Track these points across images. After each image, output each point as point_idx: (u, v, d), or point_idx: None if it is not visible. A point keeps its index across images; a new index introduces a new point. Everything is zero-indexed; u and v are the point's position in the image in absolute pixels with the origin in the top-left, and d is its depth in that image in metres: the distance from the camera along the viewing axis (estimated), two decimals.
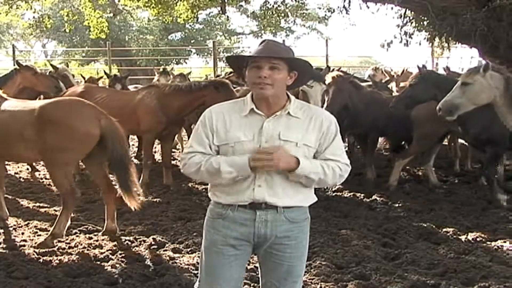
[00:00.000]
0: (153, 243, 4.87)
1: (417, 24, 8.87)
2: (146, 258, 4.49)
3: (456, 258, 4.45)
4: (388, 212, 5.89)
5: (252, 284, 3.90)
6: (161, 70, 11.24)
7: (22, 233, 5.19)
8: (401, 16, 9.01)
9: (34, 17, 14.83)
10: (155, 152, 8.46)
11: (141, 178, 6.98)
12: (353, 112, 6.54)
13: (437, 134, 6.59)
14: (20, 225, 5.45)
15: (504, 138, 5.51)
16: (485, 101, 4.94)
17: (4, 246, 4.82)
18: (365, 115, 6.70)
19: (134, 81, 14.02)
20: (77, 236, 5.13)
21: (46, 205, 6.27)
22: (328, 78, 6.66)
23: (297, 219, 2.55)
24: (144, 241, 4.95)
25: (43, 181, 7.65)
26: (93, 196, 6.68)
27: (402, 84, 8.77)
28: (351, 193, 6.59)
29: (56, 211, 5.96)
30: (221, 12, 13.72)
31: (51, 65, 8.98)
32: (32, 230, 5.26)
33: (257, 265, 2.76)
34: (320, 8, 24.82)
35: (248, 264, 4.15)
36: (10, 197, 6.58)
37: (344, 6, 9.20)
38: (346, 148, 8.26)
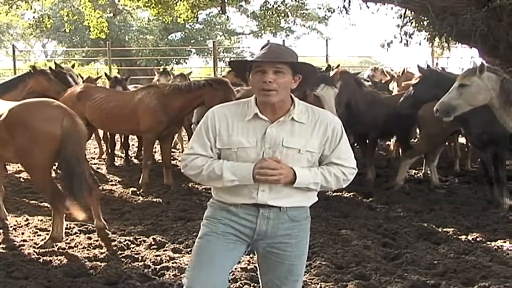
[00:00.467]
0: (153, 243, 4.87)
1: (417, 24, 8.87)
2: (146, 258, 4.49)
3: (456, 258, 4.45)
4: (388, 212, 5.89)
5: (252, 284, 3.90)
6: (161, 70, 11.23)
7: (22, 233, 5.19)
8: (401, 16, 9.00)
9: (34, 17, 14.83)
10: (155, 152, 8.46)
11: (141, 178, 7.00)
12: (355, 110, 6.52)
13: (444, 134, 6.59)
14: (20, 225, 5.45)
15: (505, 138, 5.52)
16: (482, 102, 4.95)
17: (4, 246, 4.82)
18: (366, 114, 6.68)
19: (134, 81, 14.00)
20: (77, 236, 5.13)
21: (46, 205, 6.25)
22: (333, 73, 6.67)
23: (298, 218, 2.56)
24: (144, 241, 4.95)
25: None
26: None
27: (403, 84, 8.77)
28: (351, 193, 6.60)
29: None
30: (221, 12, 13.72)
31: (57, 65, 8.95)
32: (32, 230, 5.26)
33: (257, 265, 2.76)
34: (320, 8, 24.85)
35: (248, 264, 4.16)
36: (10, 197, 6.58)
37: (344, 6, 9.20)
38: None
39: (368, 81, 8.96)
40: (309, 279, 4.00)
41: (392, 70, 11.51)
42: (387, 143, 9.63)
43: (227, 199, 2.53)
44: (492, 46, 7.55)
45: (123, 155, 9.59)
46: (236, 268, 4.11)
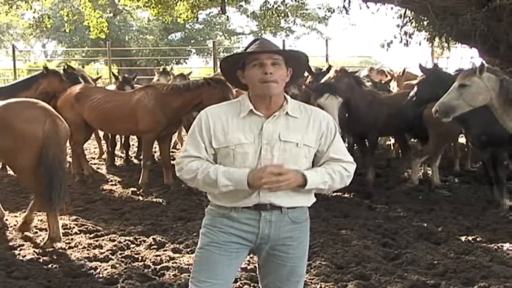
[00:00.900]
0: (153, 243, 4.87)
1: (417, 24, 8.87)
2: (146, 258, 4.49)
3: (456, 258, 4.45)
4: (388, 212, 5.89)
5: (252, 284, 3.90)
6: (161, 70, 11.22)
7: (22, 233, 5.18)
8: (401, 16, 9.01)
9: (34, 17, 14.84)
10: (154, 152, 8.46)
11: (141, 178, 7.00)
12: (354, 110, 6.46)
13: (453, 133, 6.59)
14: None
15: (504, 139, 5.51)
16: (482, 102, 4.95)
17: (4, 246, 4.82)
18: (366, 114, 6.64)
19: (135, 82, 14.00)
20: (77, 236, 5.13)
21: None
22: (331, 73, 6.63)
23: (299, 219, 2.55)
24: (144, 241, 4.95)
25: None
26: (93, 196, 6.70)
27: (403, 84, 8.76)
28: (351, 193, 6.60)
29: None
30: (221, 12, 13.71)
31: (69, 66, 8.93)
32: (32, 230, 5.26)
33: (257, 265, 2.75)
34: (320, 8, 24.82)
35: (248, 264, 4.16)
36: (10, 197, 6.59)
37: (344, 6, 9.21)
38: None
39: (368, 81, 8.95)
40: (309, 279, 4.00)
41: (391, 70, 11.50)
42: (387, 143, 9.66)
43: (226, 202, 2.49)
44: (492, 46, 7.56)
45: (123, 155, 9.59)
46: None
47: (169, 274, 4.12)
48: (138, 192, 6.84)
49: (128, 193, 6.90)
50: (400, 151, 7.93)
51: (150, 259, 4.43)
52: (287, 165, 2.42)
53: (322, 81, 6.85)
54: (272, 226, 2.49)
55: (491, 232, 5.14)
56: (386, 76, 9.83)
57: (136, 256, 4.54)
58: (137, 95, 7.03)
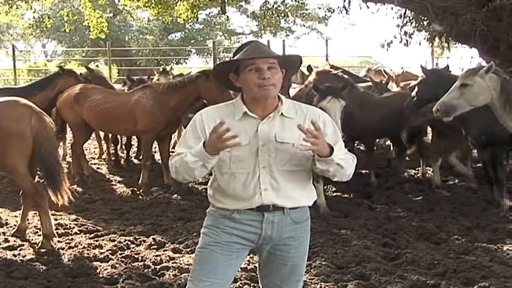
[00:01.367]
0: (153, 243, 4.87)
1: (417, 24, 8.87)
2: (146, 258, 4.49)
3: (456, 258, 4.45)
4: (388, 212, 5.89)
5: (252, 284, 3.90)
6: (161, 70, 11.22)
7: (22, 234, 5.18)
8: (401, 16, 8.99)
9: (34, 17, 14.82)
10: (154, 152, 8.46)
11: (141, 178, 6.99)
12: (345, 113, 5.92)
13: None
14: None
15: (504, 139, 5.52)
16: (483, 102, 4.94)
17: (4, 246, 4.82)
18: (359, 117, 6.37)
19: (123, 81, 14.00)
20: (77, 236, 5.13)
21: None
22: (313, 75, 6.55)
23: (300, 219, 2.55)
24: (144, 241, 4.95)
25: (43, 181, 7.64)
26: (93, 196, 6.71)
27: (402, 84, 8.75)
28: (351, 193, 6.59)
29: (56, 211, 5.95)
30: (221, 12, 13.70)
31: (86, 67, 8.90)
32: (32, 230, 5.26)
33: (257, 265, 2.75)
34: (320, 8, 24.83)
35: (248, 264, 4.16)
36: (10, 197, 6.59)
37: (344, 6, 9.18)
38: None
39: (368, 81, 8.95)
40: (309, 279, 4.00)
41: (391, 70, 11.50)
42: (386, 143, 9.65)
43: (229, 205, 2.49)
44: (492, 46, 7.55)
45: (123, 155, 9.59)
46: None
47: (169, 274, 4.12)
48: (138, 192, 6.84)
49: (128, 193, 6.90)
50: (396, 151, 7.87)
51: (150, 259, 4.43)
52: (285, 165, 2.44)
53: (306, 83, 6.74)
54: (275, 227, 2.49)
55: (491, 232, 5.15)
56: (384, 76, 9.82)
57: (136, 256, 4.54)
58: (135, 96, 7.01)
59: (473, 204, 6.10)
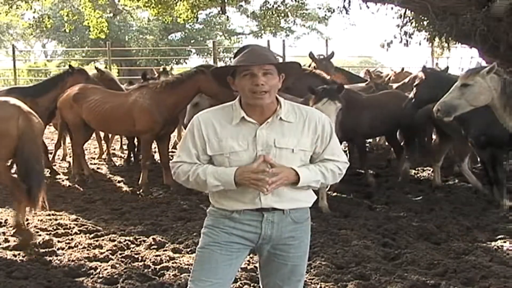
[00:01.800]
0: (153, 243, 4.87)
1: (417, 24, 8.87)
2: (146, 258, 4.49)
3: (456, 258, 4.45)
4: (388, 212, 5.89)
5: (252, 284, 3.90)
6: (161, 70, 11.22)
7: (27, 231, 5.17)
8: (401, 16, 9.00)
9: (34, 17, 14.84)
10: (155, 152, 8.46)
11: (140, 178, 6.99)
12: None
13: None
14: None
15: (503, 139, 5.52)
16: (483, 102, 4.94)
17: (4, 246, 4.82)
18: (345, 119, 5.88)
19: (134, 82, 13.99)
20: (77, 236, 5.13)
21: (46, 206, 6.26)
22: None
23: (301, 219, 2.56)
24: (144, 241, 4.95)
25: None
26: (93, 196, 6.71)
27: (395, 85, 8.73)
28: (351, 193, 6.59)
29: (56, 211, 5.97)
30: (221, 12, 13.70)
31: (97, 69, 8.91)
32: (32, 230, 5.26)
33: (257, 265, 2.75)
34: (320, 8, 24.83)
35: (248, 264, 4.16)
36: (10, 197, 6.58)
37: (344, 6, 9.19)
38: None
39: (368, 80, 8.95)
40: (309, 279, 4.00)
41: (392, 70, 11.50)
42: (386, 143, 9.64)
43: (229, 206, 2.50)
44: (492, 46, 7.55)
45: (123, 155, 9.61)
46: None
47: (169, 274, 4.12)
48: (138, 192, 6.84)
49: (128, 193, 6.91)
50: (394, 152, 7.85)
51: (150, 259, 4.43)
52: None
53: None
54: (274, 227, 2.49)
55: (491, 232, 5.14)
56: (380, 77, 9.82)
57: (136, 256, 4.54)
58: (133, 96, 6.98)
59: (473, 204, 6.10)
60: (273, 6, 12.58)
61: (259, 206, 2.45)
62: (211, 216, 2.59)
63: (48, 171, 8.02)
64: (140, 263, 4.36)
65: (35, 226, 5.40)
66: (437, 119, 5.48)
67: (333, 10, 13.77)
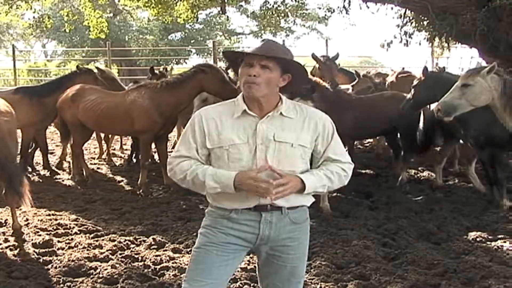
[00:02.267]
0: (153, 243, 4.87)
1: (417, 24, 8.87)
2: (146, 258, 4.49)
3: (456, 258, 4.45)
4: (388, 212, 5.89)
5: (252, 284, 3.91)
6: (161, 70, 11.22)
7: (22, 233, 5.18)
8: (401, 16, 9.00)
9: (34, 17, 14.81)
10: (154, 152, 8.46)
11: (140, 179, 6.98)
12: None
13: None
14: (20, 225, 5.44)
15: (503, 139, 5.52)
16: (484, 102, 4.93)
17: (4, 246, 4.82)
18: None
19: (140, 81, 14.01)
20: (77, 236, 5.13)
21: (46, 205, 6.27)
22: None
23: (299, 220, 2.55)
24: (144, 241, 4.96)
25: (43, 181, 7.66)
26: (93, 196, 6.70)
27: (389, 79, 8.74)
28: (351, 193, 6.59)
29: (56, 211, 5.97)
30: (221, 12, 13.71)
31: (97, 68, 8.92)
32: (33, 230, 5.26)
33: (257, 269, 2.73)
34: (320, 8, 24.79)
35: (248, 264, 4.16)
36: None
37: (344, 6, 9.19)
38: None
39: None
40: (309, 279, 4.00)
41: (392, 70, 11.51)
42: (386, 143, 9.63)
43: (227, 205, 2.49)
44: (492, 46, 7.55)
45: (122, 155, 9.61)
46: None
47: (169, 274, 4.12)
48: (138, 192, 6.84)
49: (128, 193, 6.91)
50: (393, 152, 7.84)
51: (150, 259, 4.44)
52: (283, 167, 2.42)
53: None
54: (273, 227, 2.49)
55: (491, 232, 5.14)
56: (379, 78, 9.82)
57: (136, 256, 4.54)
58: (131, 96, 6.95)
59: (473, 204, 6.10)
60: (273, 6, 12.58)
61: (257, 202, 2.44)
62: (209, 216, 2.59)
63: (48, 171, 8.04)
64: (140, 263, 4.37)
65: (35, 226, 5.40)
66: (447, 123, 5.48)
67: (333, 10, 13.71)
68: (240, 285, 3.91)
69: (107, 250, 4.66)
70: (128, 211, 6.01)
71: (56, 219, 5.64)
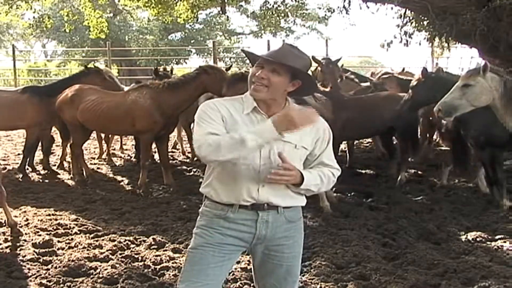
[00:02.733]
0: (153, 243, 4.87)
1: (417, 24, 8.87)
2: (146, 258, 4.49)
3: (456, 258, 4.45)
4: (388, 212, 5.89)
5: (252, 284, 3.90)
6: (165, 71, 11.20)
7: (18, 229, 5.17)
8: (401, 16, 8.99)
9: (34, 17, 14.83)
10: (155, 152, 8.46)
11: (140, 179, 6.98)
12: None
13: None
14: (20, 225, 5.43)
15: (503, 139, 5.52)
16: (484, 103, 4.92)
17: (4, 246, 4.82)
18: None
19: (134, 82, 14.02)
20: (77, 236, 5.13)
21: (46, 205, 6.27)
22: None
23: (294, 218, 2.57)
24: (144, 241, 4.96)
25: (43, 181, 7.66)
26: (93, 196, 6.70)
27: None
28: (351, 193, 6.59)
29: (56, 211, 5.97)
30: (221, 12, 13.71)
31: (96, 67, 8.90)
32: (33, 230, 5.26)
33: (253, 269, 2.72)
34: (320, 8, 24.86)
35: (248, 264, 4.16)
36: (10, 197, 6.58)
37: (344, 6, 9.18)
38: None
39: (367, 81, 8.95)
40: (309, 279, 4.00)
41: (392, 70, 11.51)
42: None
43: (224, 196, 2.47)
44: (492, 46, 7.54)
45: (122, 155, 9.61)
46: (236, 268, 4.11)
47: (169, 274, 4.12)
48: (138, 192, 6.84)
49: (128, 193, 6.90)
50: (388, 152, 7.82)
51: (150, 259, 4.44)
52: None
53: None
54: (269, 227, 2.50)
55: (491, 232, 5.14)
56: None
57: (136, 256, 4.54)
58: (132, 96, 6.95)
59: (473, 204, 6.10)
60: (273, 6, 12.58)
61: (254, 201, 2.45)
62: (204, 216, 2.58)
63: (47, 172, 8.04)
64: (140, 263, 4.37)
65: (35, 226, 5.40)
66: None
67: (333, 10, 13.78)
68: (240, 285, 3.92)
69: (107, 250, 4.66)
70: (128, 211, 6.01)
71: (56, 219, 5.64)
